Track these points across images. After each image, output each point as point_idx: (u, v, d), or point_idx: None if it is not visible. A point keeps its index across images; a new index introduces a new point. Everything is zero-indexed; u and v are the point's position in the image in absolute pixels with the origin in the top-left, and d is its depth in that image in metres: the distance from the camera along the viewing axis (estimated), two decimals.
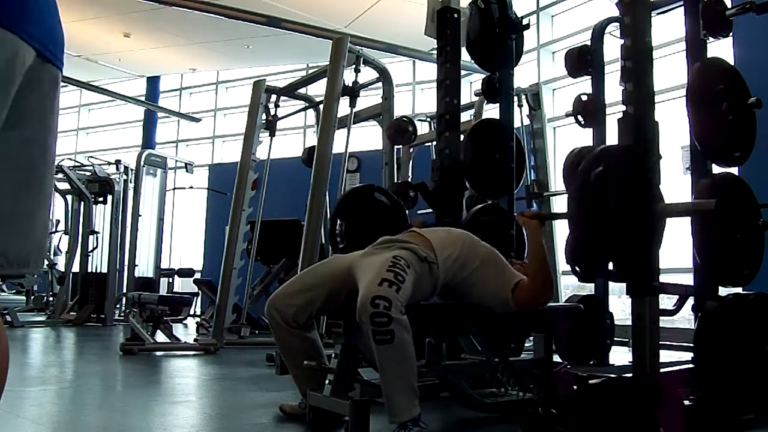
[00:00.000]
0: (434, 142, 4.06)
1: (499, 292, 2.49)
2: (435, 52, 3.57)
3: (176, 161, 10.17)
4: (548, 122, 6.47)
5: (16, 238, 0.92)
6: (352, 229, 3.34)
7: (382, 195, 3.47)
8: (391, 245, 2.47)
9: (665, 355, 2.51)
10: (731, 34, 2.78)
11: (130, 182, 8.87)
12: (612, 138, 2.98)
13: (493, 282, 2.50)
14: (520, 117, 5.75)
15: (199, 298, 8.72)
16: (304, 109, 6.91)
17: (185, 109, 12.39)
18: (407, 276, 2.25)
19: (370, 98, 5.80)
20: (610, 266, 2.19)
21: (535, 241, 2.56)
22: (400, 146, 5.55)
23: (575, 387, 2.19)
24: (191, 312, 8.73)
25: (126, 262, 8.27)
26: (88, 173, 8.67)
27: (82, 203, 8.60)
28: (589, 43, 3.59)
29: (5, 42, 0.86)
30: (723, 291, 2.64)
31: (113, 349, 5.47)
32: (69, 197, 8.93)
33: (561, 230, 5.59)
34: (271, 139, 6.20)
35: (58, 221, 9.85)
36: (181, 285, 9.42)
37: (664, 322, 2.43)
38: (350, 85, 5.15)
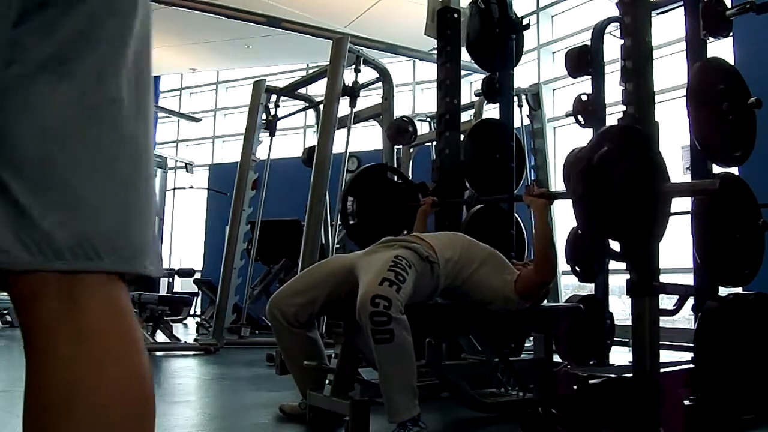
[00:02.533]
0: (434, 142, 4.06)
1: (500, 288, 2.49)
2: (435, 52, 3.57)
3: (176, 161, 10.17)
4: (548, 122, 6.47)
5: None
6: (363, 207, 3.35)
7: (394, 174, 3.48)
8: (393, 244, 2.48)
9: (665, 355, 2.51)
10: (731, 34, 2.78)
11: None
12: None
13: (494, 280, 2.51)
14: (520, 117, 5.75)
15: (199, 298, 8.72)
16: (304, 109, 6.91)
17: (185, 109, 12.39)
18: (408, 276, 2.25)
19: (370, 98, 5.80)
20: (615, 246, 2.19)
21: (541, 220, 2.58)
22: (400, 146, 5.55)
23: (575, 387, 2.19)
24: (191, 312, 8.72)
25: None
26: None
27: None
28: (589, 43, 3.58)
29: None
30: (723, 291, 2.64)
31: None
32: None
33: (561, 230, 5.59)
34: (271, 139, 6.20)
35: None
36: (181, 285, 9.42)
37: (664, 322, 2.43)
38: (350, 85, 5.14)
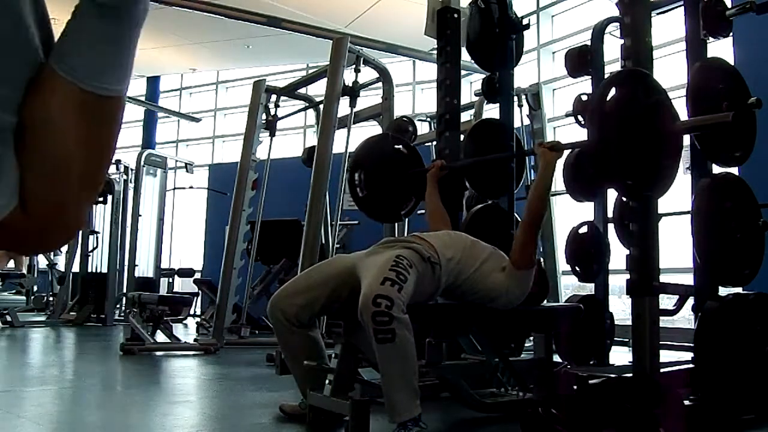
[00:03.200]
0: (434, 142, 4.06)
1: (502, 282, 2.50)
2: (435, 52, 3.57)
3: (176, 161, 10.17)
4: (548, 122, 6.47)
5: None
6: (371, 178, 3.36)
7: (398, 143, 3.48)
8: (395, 245, 2.48)
9: (665, 355, 2.51)
10: (731, 34, 2.78)
11: (130, 182, 8.86)
12: None
13: (495, 276, 2.51)
14: (520, 117, 5.75)
15: (199, 298, 8.72)
16: (304, 109, 6.91)
17: (185, 109, 12.39)
18: (409, 275, 2.25)
19: (370, 98, 5.80)
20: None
21: (547, 171, 2.63)
22: None
23: (575, 387, 2.19)
24: (191, 312, 8.73)
25: (126, 262, 8.27)
26: None
27: None
28: (589, 43, 3.58)
29: None
30: (723, 291, 2.64)
31: (113, 349, 5.47)
32: None
33: (561, 231, 5.59)
34: (271, 139, 6.20)
35: None
36: (181, 285, 9.42)
37: (664, 322, 2.43)
38: (350, 85, 5.14)
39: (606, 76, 3.55)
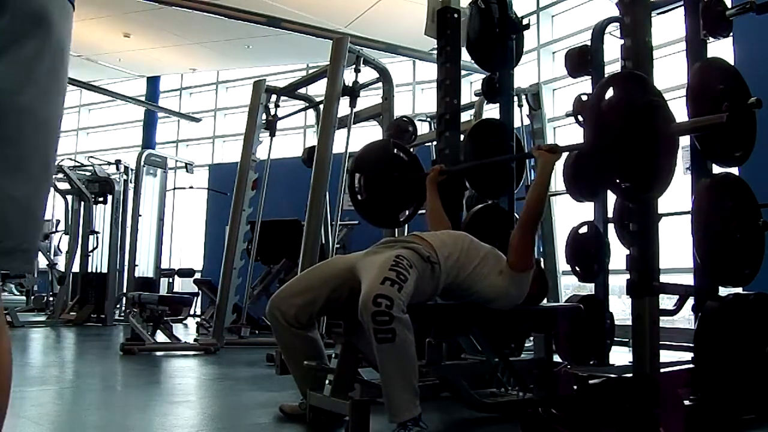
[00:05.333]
0: (434, 142, 4.06)
1: (501, 282, 2.49)
2: (435, 52, 3.57)
3: (176, 161, 10.16)
4: (548, 122, 6.46)
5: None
6: (370, 182, 3.37)
7: (398, 149, 3.51)
8: (394, 244, 2.48)
9: (665, 355, 2.51)
10: (731, 34, 2.78)
11: (130, 182, 8.87)
12: None
13: (494, 276, 2.51)
14: (520, 117, 5.75)
15: (199, 298, 8.72)
16: (304, 109, 6.91)
17: (185, 109, 12.39)
18: (409, 275, 2.25)
19: (370, 98, 5.80)
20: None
21: (544, 173, 2.63)
22: None
23: (575, 387, 2.19)
24: (191, 312, 8.73)
25: (126, 262, 8.27)
26: (88, 173, 8.67)
27: (82, 203, 8.60)
28: (589, 43, 3.58)
29: None
30: (723, 291, 2.64)
31: (113, 349, 5.47)
32: (69, 197, 8.93)
33: (561, 231, 5.59)
34: (271, 139, 6.20)
35: (58, 221, 9.85)
36: (181, 285, 9.41)
37: (664, 322, 2.43)
38: (350, 85, 5.15)
39: (606, 76, 3.55)
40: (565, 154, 2.98)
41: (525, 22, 3.68)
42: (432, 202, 3.10)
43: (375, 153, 3.48)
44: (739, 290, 2.71)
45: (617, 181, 2.23)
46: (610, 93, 2.21)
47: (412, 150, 5.99)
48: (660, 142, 2.22)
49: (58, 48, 0.87)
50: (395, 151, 3.48)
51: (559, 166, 3.01)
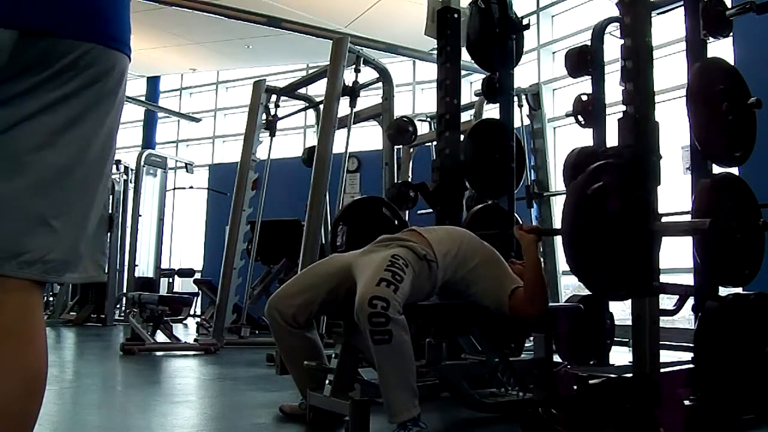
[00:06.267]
0: (434, 142, 4.06)
1: (497, 294, 2.48)
2: (435, 52, 3.57)
3: (176, 161, 10.17)
4: (548, 122, 6.46)
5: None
6: (353, 236, 3.29)
7: (389, 210, 3.43)
8: (390, 243, 2.47)
9: (665, 355, 2.51)
10: (731, 34, 2.78)
11: (130, 182, 8.87)
12: (612, 138, 2.98)
13: (492, 282, 2.50)
14: (520, 117, 5.75)
15: (199, 298, 8.72)
16: (304, 109, 6.91)
17: (185, 109, 12.39)
18: (405, 275, 2.25)
19: (370, 98, 5.80)
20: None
21: (530, 255, 2.52)
22: (400, 146, 5.55)
23: (575, 387, 2.19)
24: (191, 312, 8.73)
25: (126, 262, 8.27)
26: None
27: None
28: (589, 43, 3.58)
29: None
30: (723, 291, 2.64)
31: (113, 349, 5.48)
32: None
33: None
34: (271, 139, 6.20)
35: None
36: (181, 285, 9.41)
37: (664, 322, 2.42)
38: (350, 85, 5.15)
39: (606, 76, 3.55)
40: (566, 151, 2.98)
41: (525, 22, 3.68)
42: None
43: (363, 209, 3.42)
44: (739, 290, 2.71)
45: (594, 275, 2.11)
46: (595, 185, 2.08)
47: (411, 150, 6.05)
48: (646, 241, 2.15)
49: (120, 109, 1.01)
50: (385, 212, 3.40)
51: (559, 166, 3.01)
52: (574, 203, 2.10)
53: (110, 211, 8.60)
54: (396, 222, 3.39)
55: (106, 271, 8.25)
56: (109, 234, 8.48)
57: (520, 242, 2.61)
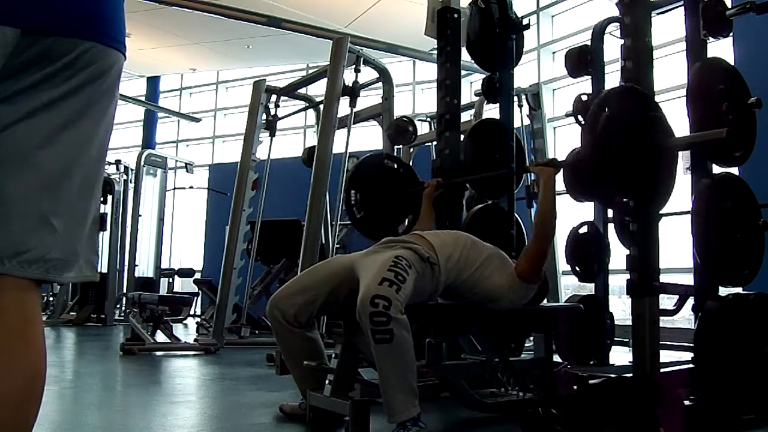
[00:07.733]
0: (434, 142, 4.06)
1: (504, 284, 2.49)
2: (435, 52, 3.57)
3: (176, 161, 10.17)
4: (548, 122, 6.47)
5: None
6: (366, 198, 3.37)
7: (392, 161, 3.52)
8: (394, 245, 2.48)
9: (665, 355, 2.51)
10: (731, 34, 2.78)
11: (130, 182, 8.87)
12: None
13: (497, 277, 2.51)
14: (520, 117, 5.75)
15: (199, 298, 8.73)
16: (304, 109, 6.91)
17: (185, 109, 12.40)
18: (408, 276, 2.25)
19: (370, 98, 5.80)
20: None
21: (547, 188, 2.60)
22: (400, 146, 5.55)
23: (575, 387, 2.19)
24: (191, 312, 8.73)
25: (126, 262, 8.27)
26: None
27: None
28: (589, 43, 3.58)
29: None
30: (723, 291, 2.64)
31: (113, 349, 5.48)
32: None
33: (561, 231, 5.59)
34: (271, 139, 6.20)
35: None
36: (181, 285, 9.42)
37: (664, 322, 2.43)
38: (350, 85, 5.14)
39: (606, 76, 3.55)
40: (566, 151, 2.98)
41: (525, 22, 3.68)
42: (425, 220, 3.07)
43: (369, 168, 3.47)
44: (739, 290, 2.71)
45: (616, 196, 2.21)
46: (607, 108, 2.18)
47: (411, 150, 6.05)
48: (659, 157, 2.20)
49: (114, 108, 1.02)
50: (389, 163, 3.47)
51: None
52: (592, 130, 2.20)
53: (104, 211, 8.62)
54: (400, 169, 3.48)
55: (106, 271, 8.26)
56: (109, 234, 8.49)
57: (538, 176, 2.65)
